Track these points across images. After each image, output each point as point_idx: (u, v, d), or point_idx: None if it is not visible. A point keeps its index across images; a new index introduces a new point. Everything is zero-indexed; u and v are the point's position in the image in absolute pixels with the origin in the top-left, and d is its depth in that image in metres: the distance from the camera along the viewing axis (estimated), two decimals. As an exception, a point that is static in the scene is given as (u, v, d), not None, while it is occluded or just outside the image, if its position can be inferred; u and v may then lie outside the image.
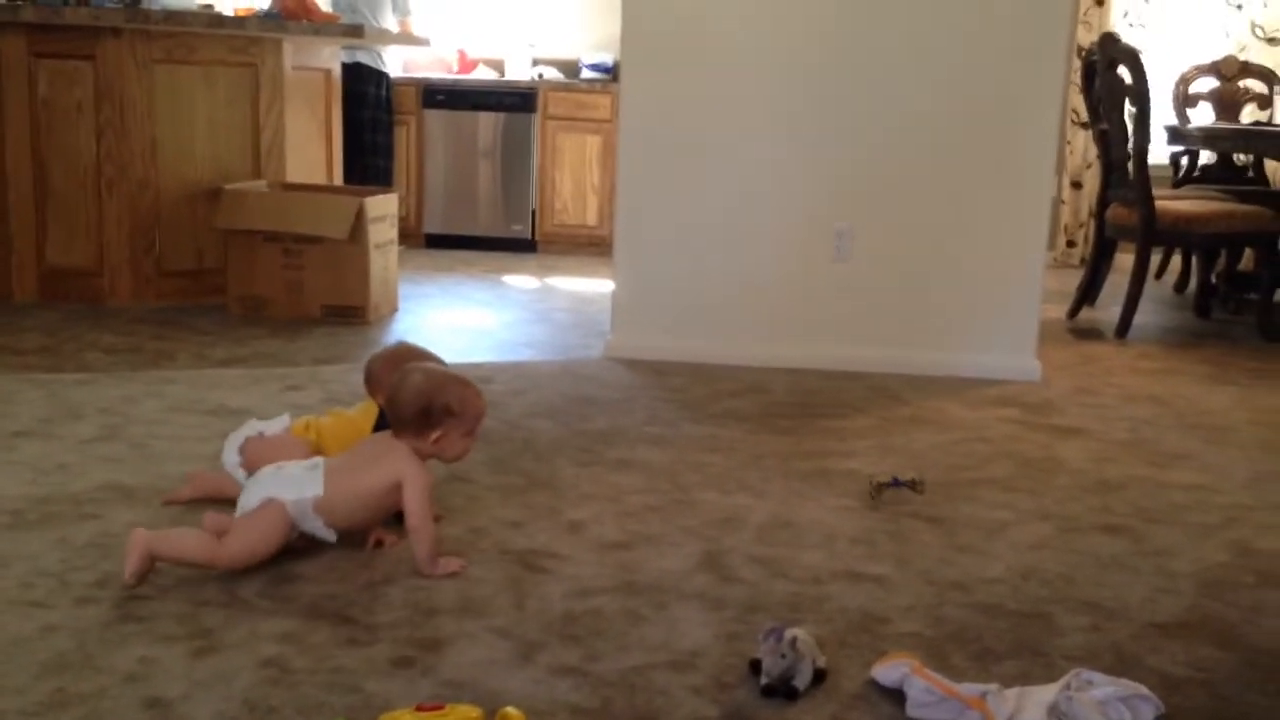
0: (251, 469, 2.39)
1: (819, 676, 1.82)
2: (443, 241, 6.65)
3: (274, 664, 1.84)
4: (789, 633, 1.82)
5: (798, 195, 3.99)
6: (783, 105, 3.95)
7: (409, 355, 2.54)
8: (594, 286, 5.48)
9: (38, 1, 4.43)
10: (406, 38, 5.83)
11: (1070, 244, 6.95)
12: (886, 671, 1.81)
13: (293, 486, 2.17)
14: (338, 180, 5.34)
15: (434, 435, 2.21)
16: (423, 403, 2.20)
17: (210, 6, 5.17)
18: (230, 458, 2.49)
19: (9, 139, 4.49)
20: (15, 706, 1.68)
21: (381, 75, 6.22)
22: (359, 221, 4.39)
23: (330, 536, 2.21)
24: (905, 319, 4.01)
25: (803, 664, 1.80)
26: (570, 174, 6.60)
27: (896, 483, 2.65)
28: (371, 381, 2.57)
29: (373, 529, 2.30)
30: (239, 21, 4.70)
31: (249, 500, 2.17)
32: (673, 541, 2.42)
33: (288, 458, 2.31)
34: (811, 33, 3.90)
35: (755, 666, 1.83)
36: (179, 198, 4.61)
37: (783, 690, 1.78)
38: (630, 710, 1.74)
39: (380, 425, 2.43)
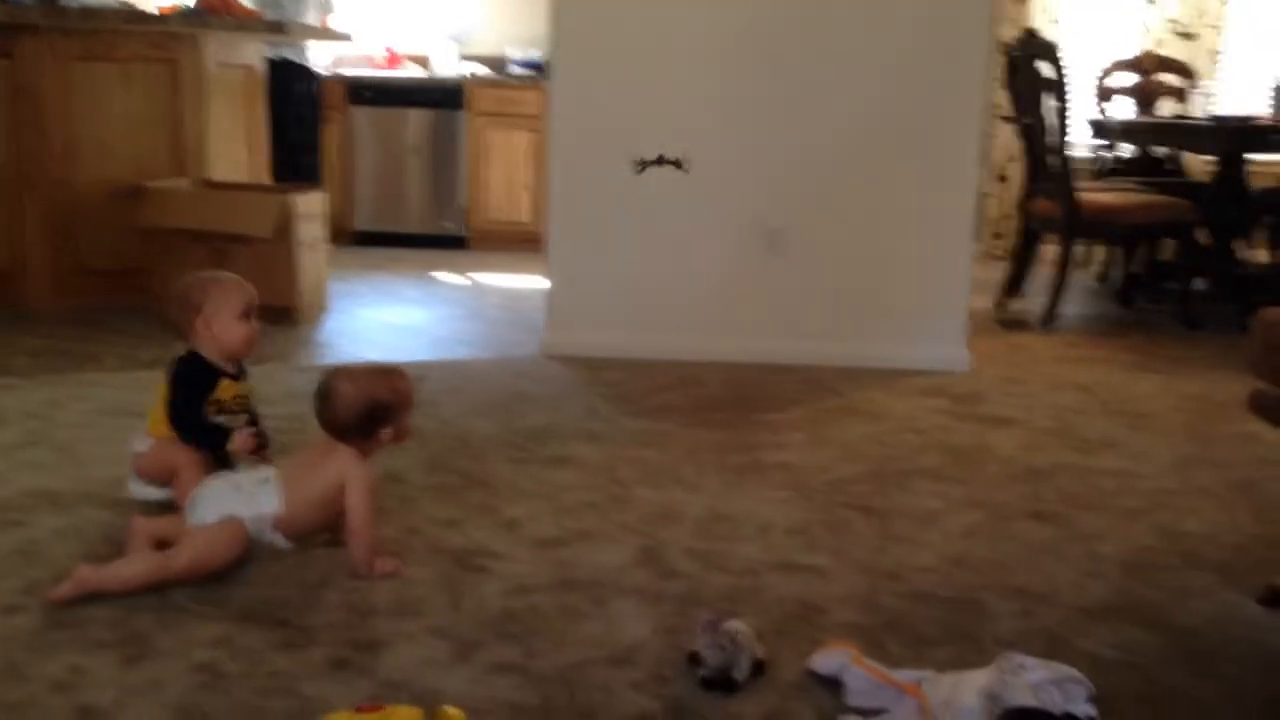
0: (154, 478, 2.42)
1: (758, 668, 1.83)
2: (373, 239, 6.58)
3: (207, 669, 1.82)
4: (727, 625, 1.83)
5: (730, 191, 4.01)
6: (713, 102, 3.96)
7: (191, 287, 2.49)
8: (527, 283, 5.46)
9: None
10: (328, 33, 5.76)
11: (997, 236, 7.07)
12: (824, 661, 1.83)
13: (249, 503, 2.14)
14: (264, 178, 5.25)
15: (384, 433, 2.20)
16: (361, 409, 2.18)
17: (129, 4, 5.06)
18: (136, 489, 2.47)
19: (-80, 137, 4.37)
20: (-62, 720, 1.64)
21: (308, 72, 6.14)
22: (285, 219, 4.33)
23: (288, 547, 2.19)
24: (837, 312, 4.05)
25: (741, 655, 1.81)
26: (501, 170, 6.57)
27: (661, 160, 2.57)
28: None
29: (324, 531, 2.27)
30: (159, 18, 4.60)
31: (205, 513, 2.13)
32: (610, 537, 2.42)
33: (181, 461, 2.34)
34: (741, 30, 3.92)
35: (694, 659, 1.84)
36: (99, 197, 4.51)
37: (722, 682, 1.79)
38: (570, 707, 1.74)
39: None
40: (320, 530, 2.25)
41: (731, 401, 3.54)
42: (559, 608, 2.08)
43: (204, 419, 2.41)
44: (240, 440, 2.39)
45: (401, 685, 1.79)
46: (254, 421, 2.51)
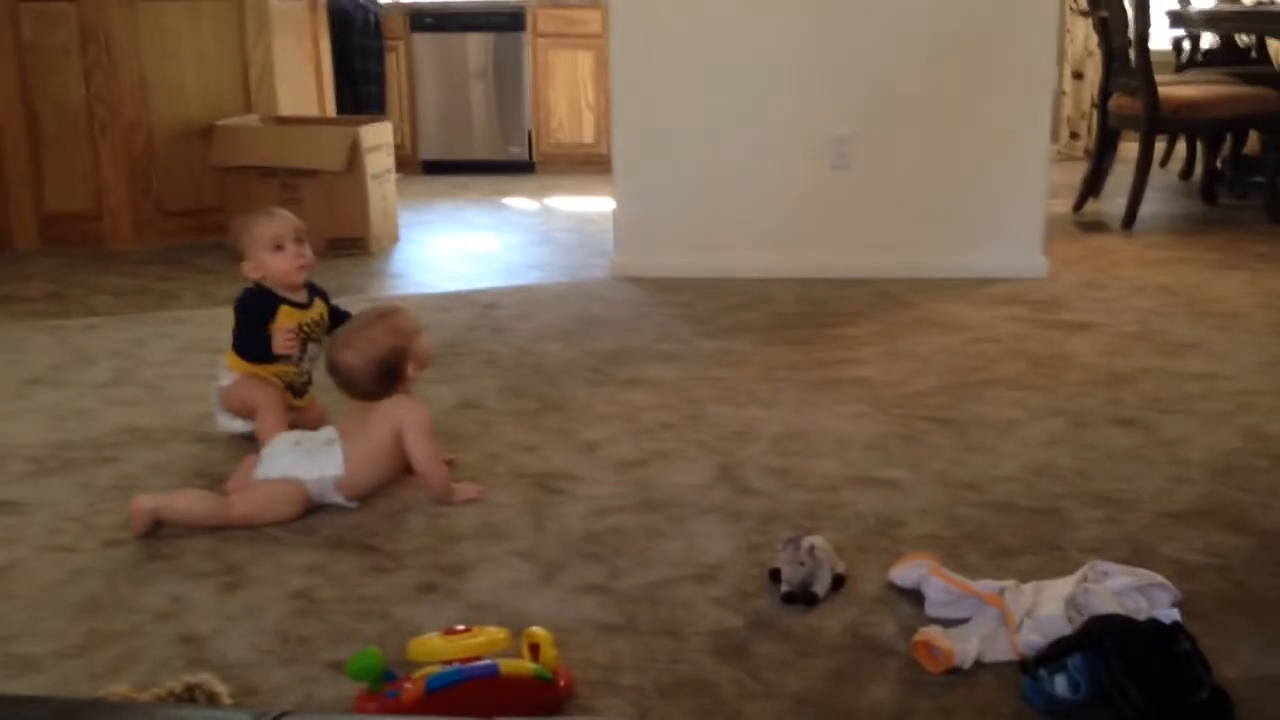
0: (238, 413, 2.48)
1: (838, 582, 1.84)
2: (440, 167, 6.59)
3: (303, 595, 1.87)
4: (807, 540, 1.84)
5: (796, 102, 3.94)
6: (778, 11, 3.88)
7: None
8: (595, 205, 5.44)
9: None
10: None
11: (1074, 136, 6.87)
12: (904, 573, 1.83)
13: (313, 465, 2.17)
14: (330, 111, 5.28)
15: (409, 374, 2.23)
16: (375, 370, 2.19)
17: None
18: (223, 422, 2.53)
19: (-2, 86, 4.45)
20: (53, 649, 1.72)
21: (368, 2, 6.12)
22: (354, 152, 4.36)
23: (352, 505, 2.21)
24: (910, 222, 3.98)
25: (821, 570, 1.82)
26: (564, 92, 6.52)
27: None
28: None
29: (397, 478, 2.29)
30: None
31: (268, 470, 2.18)
32: (688, 457, 2.43)
33: (260, 399, 2.40)
34: (803, -67, 3.82)
35: (775, 575, 1.86)
36: (172, 136, 4.58)
37: (803, 597, 1.80)
38: (654, 624, 1.77)
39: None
40: (385, 485, 2.26)
41: (804, 317, 3.51)
42: (640, 527, 2.10)
43: (260, 342, 2.43)
44: (279, 340, 2.40)
45: (488, 607, 1.83)
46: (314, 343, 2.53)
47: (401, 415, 2.20)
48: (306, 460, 2.17)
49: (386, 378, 2.21)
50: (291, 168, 4.37)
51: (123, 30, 4.43)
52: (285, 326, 2.43)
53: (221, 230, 4.51)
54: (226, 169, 4.44)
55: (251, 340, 2.44)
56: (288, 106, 4.86)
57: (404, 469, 2.25)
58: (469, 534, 2.09)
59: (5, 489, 2.30)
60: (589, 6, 6.41)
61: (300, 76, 5.02)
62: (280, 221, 2.48)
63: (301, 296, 2.51)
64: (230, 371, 2.50)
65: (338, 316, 2.55)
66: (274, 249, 2.45)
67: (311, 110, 5.08)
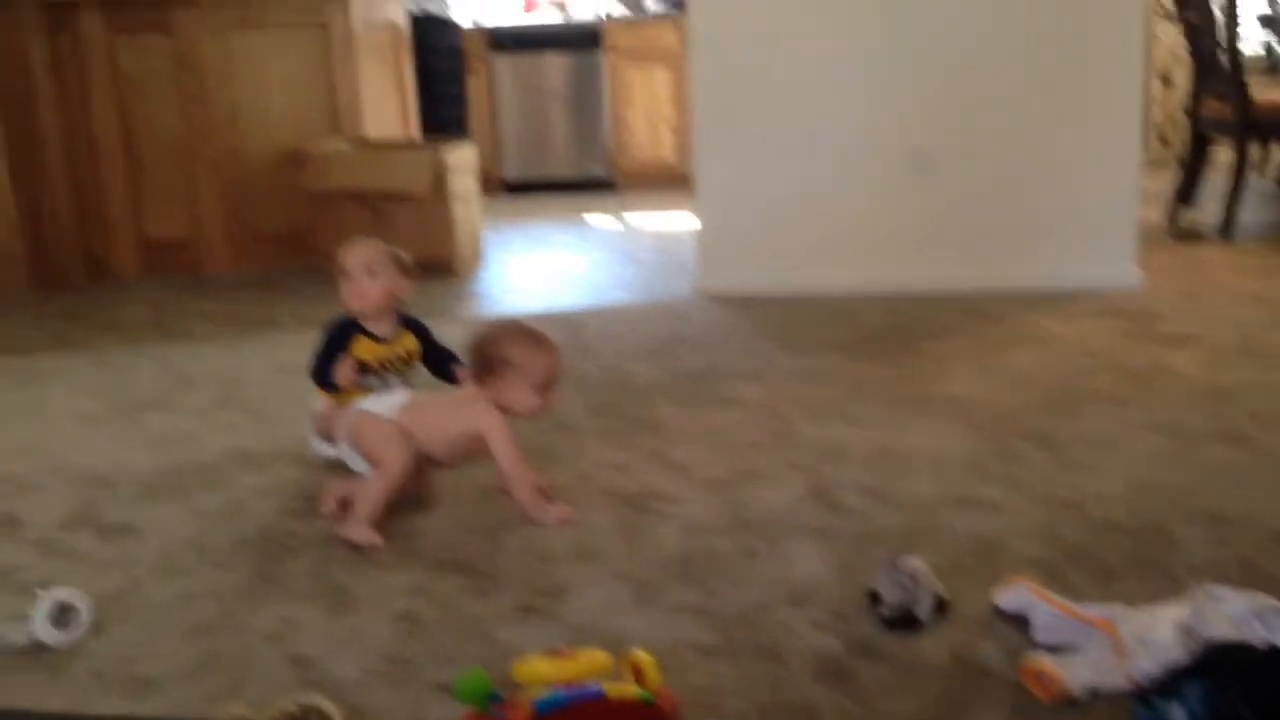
0: (330, 437, 2.50)
1: (941, 606, 1.82)
2: (521, 187, 6.67)
3: (407, 617, 1.90)
4: (906, 562, 1.83)
5: (877, 115, 3.92)
6: (856, 23, 3.87)
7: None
8: (676, 222, 5.46)
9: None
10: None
11: (1163, 143, 6.74)
12: (1008, 597, 1.81)
13: (379, 407, 2.26)
14: (415, 133, 5.37)
15: (494, 384, 2.23)
16: (484, 349, 2.23)
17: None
18: (317, 446, 2.58)
19: (97, 117, 4.59)
20: (171, 670, 1.77)
21: (449, 24, 6.22)
22: (439, 174, 4.42)
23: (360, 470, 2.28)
24: (997, 234, 3.94)
25: (922, 593, 1.81)
26: (642, 110, 6.56)
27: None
28: None
29: (447, 467, 2.33)
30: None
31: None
32: (779, 476, 2.43)
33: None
34: (885, -53, 3.81)
35: (873, 598, 1.85)
36: (264, 162, 4.69)
37: (905, 620, 1.79)
38: (754, 647, 1.77)
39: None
40: (441, 463, 2.30)
41: (891, 334, 3.49)
42: (735, 548, 2.10)
43: (325, 370, 2.43)
44: (339, 370, 2.41)
45: (587, 629, 1.85)
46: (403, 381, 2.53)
47: (487, 421, 2.22)
48: (375, 405, 2.28)
49: (482, 362, 2.23)
50: (380, 190, 4.45)
51: (215, 60, 4.56)
52: (351, 358, 2.42)
53: (313, 253, 4.62)
54: (317, 193, 4.53)
55: (319, 367, 2.45)
56: (374, 130, 4.95)
57: (458, 461, 2.29)
58: (565, 555, 2.11)
59: (120, 512, 2.37)
60: (665, 24, 6.44)
61: (385, 100, 5.11)
62: (351, 251, 2.47)
63: (383, 329, 2.48)
64: (321, 396, 2.54)
65: (435, 352, 2.54)
66: (344, 275, 2.45)
67: (396, 133, 5.17)
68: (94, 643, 1.84)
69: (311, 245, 4.64)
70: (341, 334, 2.46)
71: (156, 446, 2.75)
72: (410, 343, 2.52)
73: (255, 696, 1.66)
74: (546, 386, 2.24)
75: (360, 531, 2.15)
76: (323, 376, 2.43)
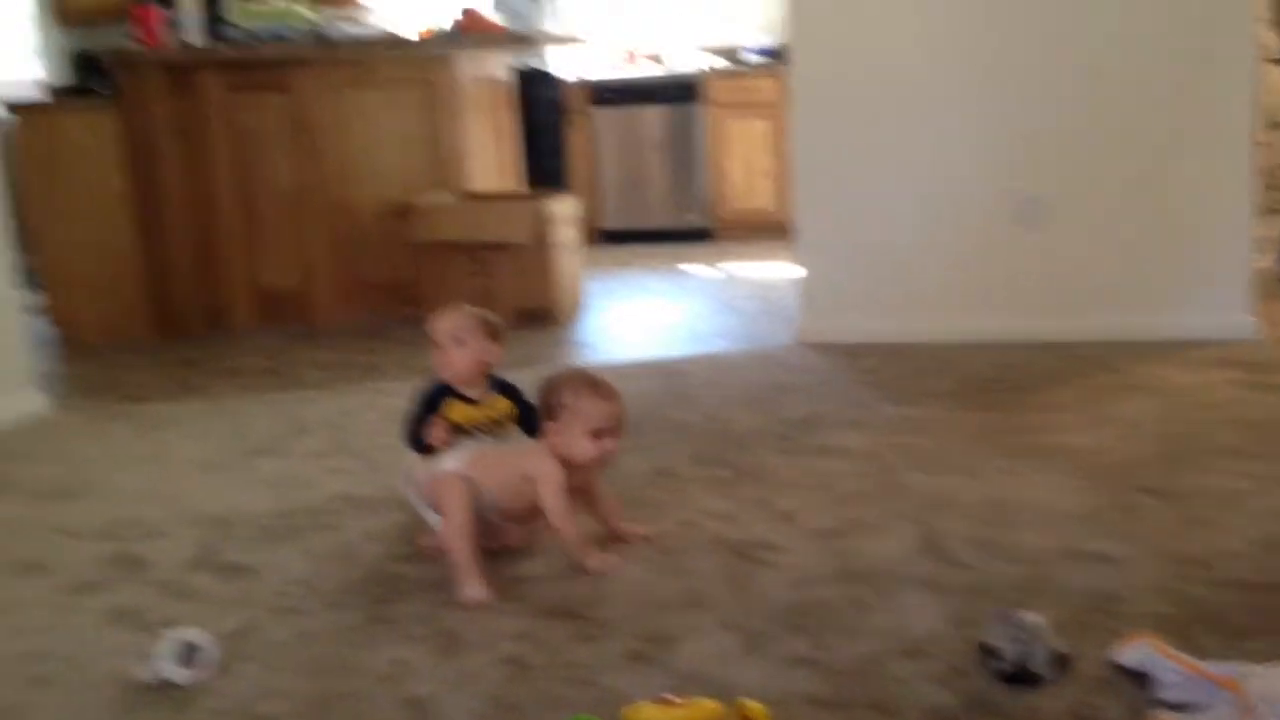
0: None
1: (1061, 661, 1.78)
2: (620, 236, 6.74)
3: (514, 662, 1.92)
4: (1022, 616, 1.79)
5: (983, 163, 3.89)
6: (960, 71, 3.86)
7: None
8: (775, 271, 5.47)
9: (236, 41, 4.69)
10: (568, 39, 5.92)
11: (1271, 188, 6.56)
12: (1129, 654, 1.76)
13: (449, 459, 2.31)
14: (517, 185, 5.47)
15: (553, 430, 2.26)
16: (545, 396, 2.29)
17: (389, 31, 5.36)
18: (413, 497, 2.60)
19: (217, 172, 4.77)
20: (288, 709, 1.81)
21: (551, 78, 6.34)
22: (541, 225, 4.50)
23: (433, 523, 2.31)
24: (1106, 282, 3.86)
25: (1038, 648, 1.77)
26: (740, 160, 6.60)
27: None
28: None
29: (522, 522, 2.35)
30: (418, 43, 4.87)
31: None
32: (887, 527, 2.41)
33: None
34: (987, -4, 3.81)
35: (987, 651, 1.81)
36: (372, 214, 4.82)
37: (1023, 676, 1.75)
38: (867, 699, 1.75)
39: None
40: (508, 515, 2.31)
41: (999, 382, 3.44)
42: (845, 599, 2.08)
43: (415, 431, 2.44)
44: (434, 434, 2.41)
45: (696, 677, 1.84)
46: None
47: (539, 466, 2.25)
48: (445, 458, 2.32)
49: (543, 407, 2.29)
50: (482, 242, 4.54)
51: (328, 117, 4.71)
52: (443, 420, 2.42)
53: (417, 304, 4.71)
54: (422, 244, 4.64)
55: (411, 429, 2.46)
56: (478, 182, 5.05)
57: (521, 511, 2.31)
58: (672, 603, 2.11)
59: (238, 554, 2.44)
60: (764, 75, 6.48)
61: (489, 153, 5.22)
62: (439, 319, 2.47)
63: (475, 391, 2.47)
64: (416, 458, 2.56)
65: (527, 412, 2.50)
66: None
67: (499, 185, 5.28)
68: (217, 681, 1.89)
69: (416, 295, 4.74)
70: (433, 397, 2.46)
71: (272, 490, 2.82)
72: (503, 405, 2.50)
73: (371, 738, 1.69)
74: (603, 432, 2.25)
75: (467, 591, 2.17)
76: (415, 438, 2.45)
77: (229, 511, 2.69)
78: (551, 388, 2.29)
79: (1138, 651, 1.75)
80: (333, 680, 1.89)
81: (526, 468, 2.27)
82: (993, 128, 3.87)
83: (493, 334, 2.48)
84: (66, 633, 2.11)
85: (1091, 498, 2.49)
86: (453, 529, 2.22)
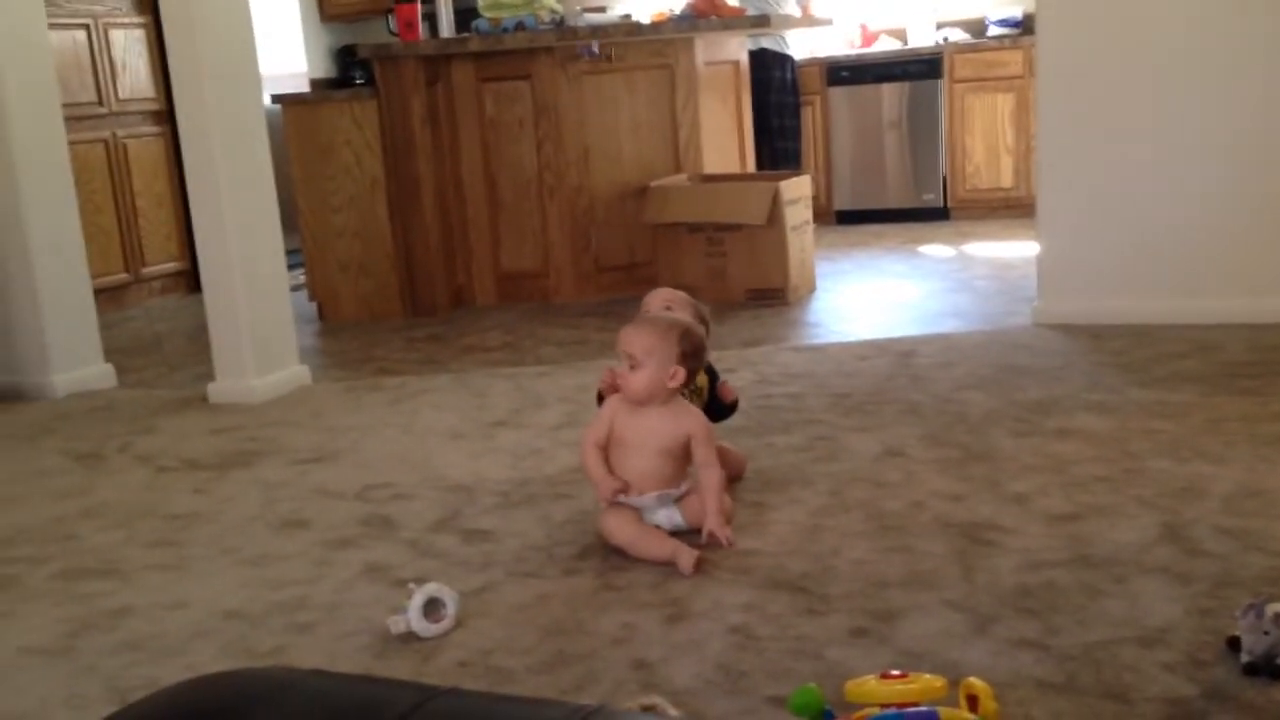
0: None
1: (1311, 656, 1.69)
2: (853, 217, 6.67)
3: (740, 631, 1.97)
4: (1270, 608, 1.70)
5: (1239, 132, 3.65)
6: (1219, 45, 3.63)
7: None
8: (1014, 250, 5.29)
9: (485, 32, 4.91)
10: (809, 21, 5.90)
11: None
12: (1392, 653, 1.65)
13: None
14: (750, 167, 5.50)
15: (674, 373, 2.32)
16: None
17: (629, 15, 5.49)
18: None
19: (465, 159, 5.02)
20: (524, 664, 1.91)
21: (786, 59, 6.33)
22: (775, 206, 4.52)
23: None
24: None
25: (1289, 642, 1.68)
26: (981, 136, 6.40)
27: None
28: None
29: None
30: (657, 27, 4.96)
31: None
32: (1126, 512, 2.32)
33: None
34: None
35: (1233, 644, 1.73)
36: (610, 198, 4.96)
37: (1267, 669, 1.67)
38: (1098, 686, 1.70)
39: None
40: (629, 475, 2.34)
41: (1258, 366, 3.23)
42: (1077, 584, 2.03)
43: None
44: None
45: (920, 655, 1.84)
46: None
47: (694, 424, 2.33)
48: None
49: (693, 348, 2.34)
50: (717, 222, 4.60)
51: (570, 103, 4.87)
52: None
53: (652, 283, 4.82)
54: (657, 226, 4.74)
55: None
56: (712, 165, 5.12)
57: (656, 480, 2.34)
58: (897, 581, 2.11)
59: (480, 519, 2.59)
60: (1009, 48, 6.27)
61: (723, 135, 5.28)
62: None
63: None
64: None
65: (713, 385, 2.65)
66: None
67: (733, 167, 5.32)
68: (459, 634, 2.02)
69: (651, 275, 4.85)
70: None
71: (511, 460, 2.97)
72: (701, 380, 2.60)
73: (601, 695, 1.77)
74: (626, 359, 2.33)
75: (681, 561, 2.23)
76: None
77: (472, 478, 2.84)
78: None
79: (1403, 652, 1.64)
80: (566, 640, 1.98)
81: (684, 428, 2.32)
82: (1248, 94, 3.62)
83: (698, 319, 2.53)
84: (324, 584, 2.30)
85: (1359, 489, 2.33)
86: (633, 553, 2.28)
